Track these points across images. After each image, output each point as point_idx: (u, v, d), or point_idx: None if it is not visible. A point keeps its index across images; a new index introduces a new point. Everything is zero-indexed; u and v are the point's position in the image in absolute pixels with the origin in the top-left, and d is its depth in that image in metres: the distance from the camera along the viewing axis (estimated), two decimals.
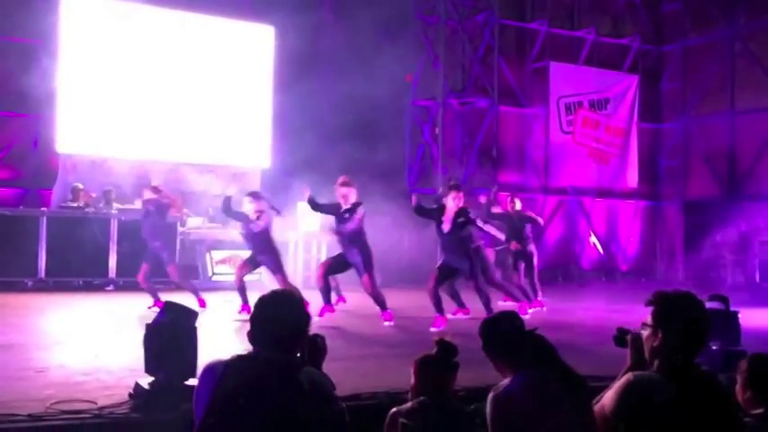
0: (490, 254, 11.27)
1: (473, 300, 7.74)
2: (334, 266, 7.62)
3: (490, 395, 2.56)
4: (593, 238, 15.84)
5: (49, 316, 7.79)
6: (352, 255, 7.49)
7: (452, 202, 7.30)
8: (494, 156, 14.47)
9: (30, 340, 6.02)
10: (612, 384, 2.51)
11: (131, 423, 3.55)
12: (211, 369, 2.29)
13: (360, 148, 11.27)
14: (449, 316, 7.46)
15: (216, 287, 10.18)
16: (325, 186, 8.28)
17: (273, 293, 2.41)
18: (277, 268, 7.84)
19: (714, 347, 4.81)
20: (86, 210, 10.43)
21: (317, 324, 5.43)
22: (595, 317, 8.39)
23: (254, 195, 7.89)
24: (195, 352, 3.78)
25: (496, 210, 9.51)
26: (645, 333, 2.50)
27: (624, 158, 15.91)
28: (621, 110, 15.87)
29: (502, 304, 8.85)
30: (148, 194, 8.36)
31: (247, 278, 8.14)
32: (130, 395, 3.82)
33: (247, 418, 2.17)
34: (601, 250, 15.86)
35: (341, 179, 7.65)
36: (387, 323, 7.33)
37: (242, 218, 7.87)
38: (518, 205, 9.34)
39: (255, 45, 12.99)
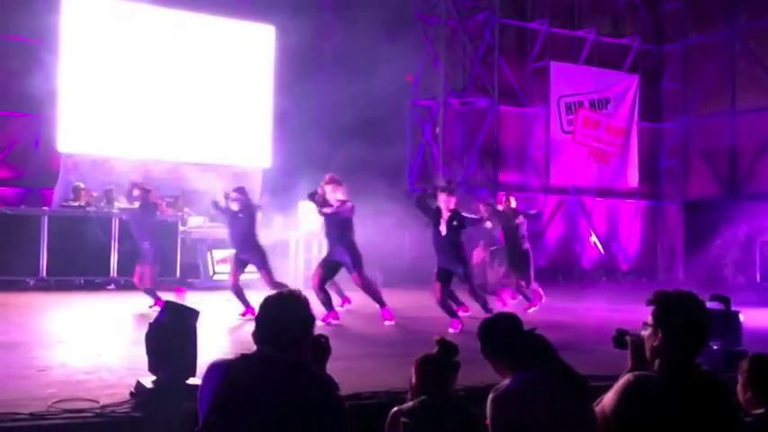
0: (480, 254, 11.26)
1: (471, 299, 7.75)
2: (326, 274, 7.53)
3: (490, 396, 2.56)
4: (593, 238, 15.85)
5: (51, 315, 7.79)
6: (339, 254, 7.46)
7: (443, 206, 7.28)
8: (494, 155, 14.47)
9: (32, 339, 6.03)
10: (614, 385, 2.52)
11: (133, 422, 3.56)
12: (216, 367, 2.31)
13: (360, 148, 11.27)
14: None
15: (217, 286, 10.19)
16: None
17: (279, 294, 2.43)
18: (262, 265, 7.78)
19: (715, 347, 4.81)
20: (88, 209, 10.44)
21: (318, 325, 5.43)
22: (596, 316, 8.39)
23: (239, 191, 7.87)
24: (195, 351, 3.79)
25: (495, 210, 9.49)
26: (646, 333, 2.51)
27: (625, 158, 15.92)
28: (622, 109, 15.88)
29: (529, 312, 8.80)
30: (136, 193, 8.34)
31: (247, 277, 8.13)
32: (132, 394, 3.82)
33: (251, 416, 2.19)
34: (601, 250, 15.87)
35: (326, 177, 7.64)
36: (387, 323, 7.34)
37: (228, 213, 7.87)
38: (513, 203, 9.26)
39: (256, 45, 12.99)
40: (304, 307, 2.40)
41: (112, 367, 4.79)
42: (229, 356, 2.36)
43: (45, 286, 9.75)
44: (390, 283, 10.40)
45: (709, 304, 3.66)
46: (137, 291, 8.33)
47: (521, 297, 9.07)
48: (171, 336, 3.77)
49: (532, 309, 8.72)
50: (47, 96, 11.04)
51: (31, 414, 3.47)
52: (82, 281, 10.24)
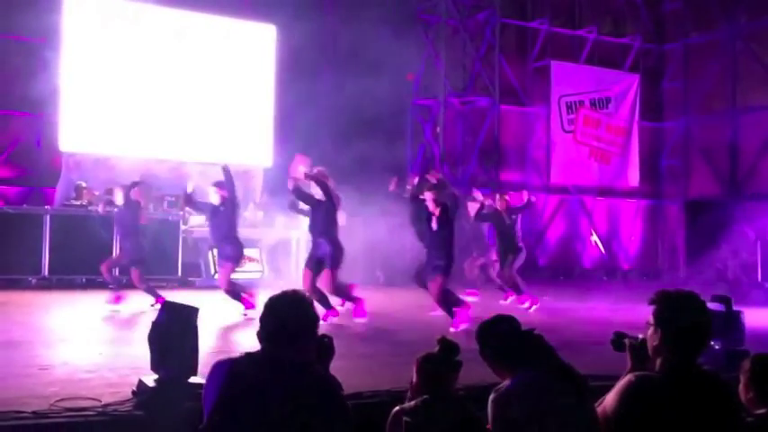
0: (474, 265, 11.13)
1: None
2: (314, 273, 7.47)
3: (491, 396, 2.57)
4: (594, 237, 15.86)
5: (53, 313, 7.81)
6: (321, 246, 7.43)
7: (430, 204, 7.24)
8: (495, 155, 14.48)
9: (34, 337, 6.04)
10: (615, 386, 2.53)
11: (135, 420, 3.56)
12: (220, 366, 2.32)
13: (361, 147, 11.28)
14: (432, 313, 7.48)
15: (218, 285, 10.19)
16: None
17: (283, 293, 2.45)
18: (226, 259, 7.72)
19: (717, 347, 4.81)
20: (90, 208, 10.45)
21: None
22: (597, 316, 8.41)
23: (219, 185, 7.85)
24: (197, 350, 3.81)
25: (487, 210, 9.46)
26: (648, 332, 2.52)
27: (625, 157, 15.92)
28: (623, 109, 15.88)
29: (503, 303, 8.88)
30: (118, 192, 8.32)
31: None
32: (134, 393, 3.83)
33: (255, 415, 2.20)
34: (602, 249, 15.87)
35: (315, 170, 7.64)
36: (358, 320, 7.25)
37: (207, 207, 7.85)
38: (506, 202, 9.16)
39: (257, 44, 13.00)
40: (308, 307, 2.42)
41: (114, 366, 4.80)
42: (233, 355, 2.38)
43: (47, 285, 9.76)
44: (392, 283, 10.42)
45: (709, 305, 3.67)
46: (138, 289, 8.34)
47: (516, 298, 8.98)
48: (172, 334, 3.78)
49: (510, 299, 8.74)
50: (49, 95, 11.05)
51: (33, 413, 3.48)
52: (84, 279, 10.24)
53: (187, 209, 9.44)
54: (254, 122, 12.88)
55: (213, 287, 10.14)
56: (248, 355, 2.34)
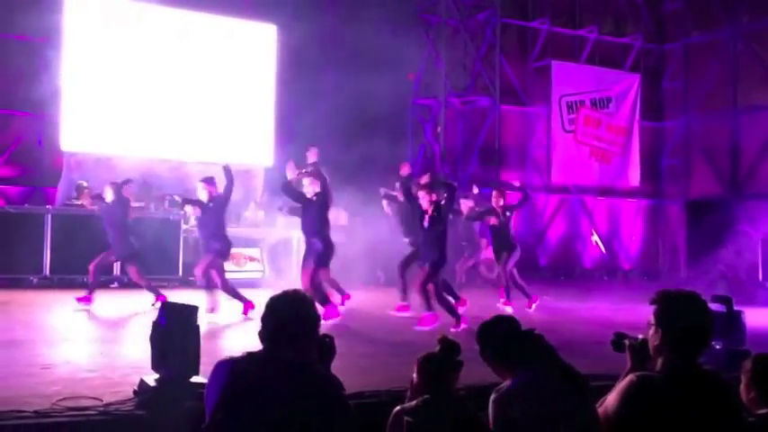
0: (464, 266, 11.09)
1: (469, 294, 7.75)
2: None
3: (492, 397, 2.58)
4: (595, 237, 15.86)
5: (55, 313, 7.82)
6: (314, 245, 7.44)
7: (424, 202, 7.26)
8: (495, 155, 14.48)
9: (35, 337, 6.05)
10: (615, 386, 2.53)
11: (136, 420, 3.57)
12: (223, 365, 2.33)
13: (361, 147, 11.28)
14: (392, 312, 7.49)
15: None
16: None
17: (284, 293, 2.46)
18: (211, 251, 7.67)
19: (718, 347, 4.81)
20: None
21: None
22: (597, 316, 8.41)
23: (207, 181, 7.84)
24: (198, 349, 3.82)
25: (480, 208, 9.41)
26: (649, 332, 2.52)
27: (626, 157, 15.92)
28: (623, 108, 15.88)
29: (500, 307, 8.82)
30: (108, 190, 8.32)
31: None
32: (135, 392, 3.84)
33: (257, 415, 2.21)
34: (603, 249, 15.88)
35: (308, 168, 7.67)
36: (330, 320, 7.12)
37: (197, 203, 7.83)
38: (501, 200, 9.04)
39: (258, 44, 13.01)
40: (309, 307, 2.43)
41: (116, 365, 4.82)
42: (236, 354, 2.38)
43: (48, 284, 9.77)
44: (393, 283, 10.39)
45: (710, 305, 3.67)
46: (140, 289, 8.35)
47: (503, 301, 8.87)
48: (174, 334, 3.80)
49: (534, 305, 8.69)
50: (51, 95, 11.05)
51: (35, 412, 3.49)
52: (85, 279, 10.24)
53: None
54: (254, 122, 12.89)
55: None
56: (250, 354, 2.35)
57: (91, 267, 8.20)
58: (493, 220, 8.77)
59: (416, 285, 7.23)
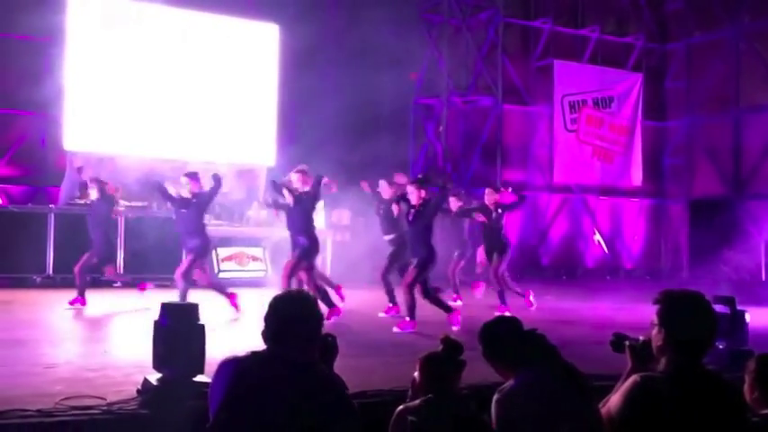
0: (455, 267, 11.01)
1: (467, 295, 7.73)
2: (310, 271, 7.50)
3: (495, 397, 2.58)
4: (597, 237, 15.84)
5: (58, 312, 7.83)
6: (298, 240, 7.43)
7: (413, 197, 7.20)
8: (497, 154, 14.47)
9: (39, 336, 6.06)
10: (618, 386, 2.53)
11: (140, 419, 3.58)
12: (226, 365, 2.34)
13: (363, 146, 11.28)
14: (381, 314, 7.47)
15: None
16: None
17: (287, 293, 2.46)
18: (189, 251, 7.64)
19: (721, 347, 4.81)
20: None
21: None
22: (600, 316, 8.40)
23: (191, 176, 7.79)
24: (203, 349, 3.82)
25: (473, 205, 9.35)
26: (653, 332, 2.52)
27: (628, 156, 15.91)
28: (626, 108, 15.86)
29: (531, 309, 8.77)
30: (93, 188, 8.30)
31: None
32: (139, 391, 3.85)
33: (260, 414, 2.21)
34: (605, 248, 15.86)
35: (298, 167, 7.64)
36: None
37: (176, 199, 7.78)
38: (495, 197, 8.96)
39: (260, 43, 13.02)
40: (312, 306, 2.43)
41: (119, 364, 4.83)
42: (239, 354, 2.39)
43: (51, 283, 9.79)
44: (395, 282, 10.37)
45: (713, 305, 3.66)
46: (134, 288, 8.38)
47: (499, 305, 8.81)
48: (178, 333, 3.80)
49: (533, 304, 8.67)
50: (53, 95, 11.07)
51: (38, 411, 3.50)
52: (88, 278, 10.27)
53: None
54: (257, 121, 12.90)
55: None
56: (254, 354, 2.36)
57: (76, 270, 8.17)
58: (481, 218, 8.63)
59: (403, 284, 7.16)
